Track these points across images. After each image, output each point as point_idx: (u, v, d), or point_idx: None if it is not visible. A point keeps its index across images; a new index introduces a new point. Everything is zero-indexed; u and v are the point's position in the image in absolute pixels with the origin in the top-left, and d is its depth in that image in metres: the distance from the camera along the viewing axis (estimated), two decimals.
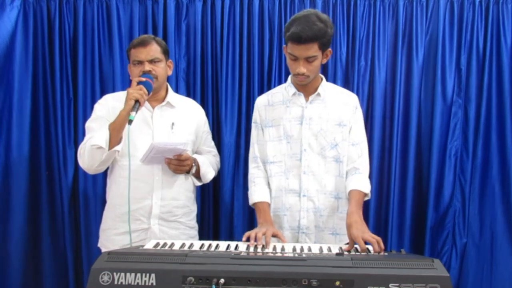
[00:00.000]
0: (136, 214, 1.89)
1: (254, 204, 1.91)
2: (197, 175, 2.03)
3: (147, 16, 2.49)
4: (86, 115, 2.50)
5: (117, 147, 1.82)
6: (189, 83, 2.54)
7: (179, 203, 1.99)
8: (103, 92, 2.50)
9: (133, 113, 1.75)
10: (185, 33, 2.52)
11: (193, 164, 1.97)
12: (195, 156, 2.02)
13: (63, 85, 2.51)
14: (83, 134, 2.47)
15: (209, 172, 2.05)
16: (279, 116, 1.90)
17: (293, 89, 1.90)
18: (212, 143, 2.22)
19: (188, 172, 1.97)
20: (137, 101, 1.78)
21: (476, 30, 2.46)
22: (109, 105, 1.96)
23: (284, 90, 1.94)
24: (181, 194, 1.99)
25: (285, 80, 2.47)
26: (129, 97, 1.78)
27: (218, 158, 2.21)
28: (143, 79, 1.85)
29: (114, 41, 2.47)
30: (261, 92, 2.45)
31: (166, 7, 2.49)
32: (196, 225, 2.12)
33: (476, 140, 2.51)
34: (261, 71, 2.52)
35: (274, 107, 1.93)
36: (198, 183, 2.06)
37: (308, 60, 1.75)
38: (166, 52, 2.00)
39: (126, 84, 2.50)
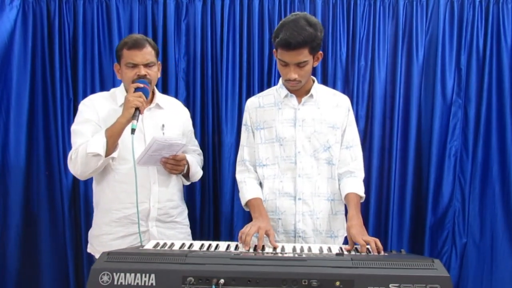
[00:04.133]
0: (134, 218, 1.87)
1: (248, 202, 1.85)
2: (186, 175, 2.02)
3: (147, 16, 2.49)
4: None
5: (114, 154, 1.81)
6: (189, 83, 2.54)
7: (174, 203, 1.99)
8: None
9: (134, 122, 1.73)
10: (184, 33, 2.52)
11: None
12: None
13: (63, 85, 2.51)
14: None
15: (197, 172, 2.05)
16: (271, 118, 1.86)
17: (285, 91, 1.86)
18: (196, 141, 2.20)
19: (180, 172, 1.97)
20: (137, 108, 1.76)
21: (476, 30, 2.47)
22: (96, 107, 1.91)
23: (276, 92, 1.91)
24: (175, 194, 2.00)
25: None
26: (130, 105, 1.74)
27: (202, 157, 2.20)
28: (141, 85, 1.81)
29: (114, 41, 2.47)
30: (261, 92, 2.45)
31: (166, 7, 2.49)
32: (188, 223, 2.12)
33: (476, 140, 2.51)
34: (261, 71, 2.52)
35: (265, 109, 1.89)
36: (187, 183, 2.06)
37: (299, 65, 1.72)
38: (158, 54, 1.96)
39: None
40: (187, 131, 2.10)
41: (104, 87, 2.51)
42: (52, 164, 2.53)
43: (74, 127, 1.90)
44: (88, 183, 2.53)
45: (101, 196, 1.96)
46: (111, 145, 1.78)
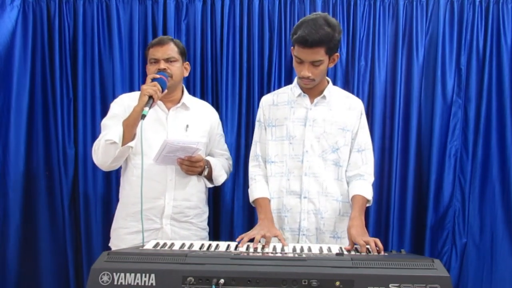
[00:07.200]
0: (148, 214, 1.90)
1: (255, 200, 1.89)
2: (209, 177, 2.03)
3: (147, 16, 2.49)
4: (86, 115, 2.51)
5: (131, 143, 1.83)
6: (189, 83, 2.53)
7: (191, 204, 1.99)
8: (103, 92, 2.51)
9: (146, 109, 1.75)
10: (185, 33, 2.52)
11: (206, 166, 1.98)
12: (208, 158, 2.03)
13: (63, 85, 2.51)
14: (83, 134, 2.50)
15: (221, 175, 2.06)
16: (283, 117, 1.90)
17: (298, 90, 1.89)
18: (225, 146, 2.22)
19: (200, 173, 1.98)
20: (151, 97, 1.79)
21: (476, 30, 2.46)
22: (125, 104, 1.97)
23: (290, 91, 1.94)
24: (194, 195, 2.00)
25: (285, 80, 2.49)
26: (143, 93, 1.79)
27: (230, 162, 2.21)
28: (157, 76, 1.87)
29: (114, 41, 2.47)
30: (261, 92, 2.45)
31: (166, 7, 2.49)
32: (207, 227, 2.12)
33: (476, 140, 2.51)
34: (261, 71, 2.52)
35: (279, 107, 1.93)
36: (210, 185, 2.07)
37: (314, 64, 1.74)
38: (183, 54, 2.02)
39: (126, 84, 2.50)
40: (215, 134, 2.12)
41: (104, 87, 2.51)
42: (52, 164, 2.53)
43: (102, 122, 1.99)
44: (88, 183, 2.54)
45: (122, 190, 2.02)
46: (128, 134, 1.81)
